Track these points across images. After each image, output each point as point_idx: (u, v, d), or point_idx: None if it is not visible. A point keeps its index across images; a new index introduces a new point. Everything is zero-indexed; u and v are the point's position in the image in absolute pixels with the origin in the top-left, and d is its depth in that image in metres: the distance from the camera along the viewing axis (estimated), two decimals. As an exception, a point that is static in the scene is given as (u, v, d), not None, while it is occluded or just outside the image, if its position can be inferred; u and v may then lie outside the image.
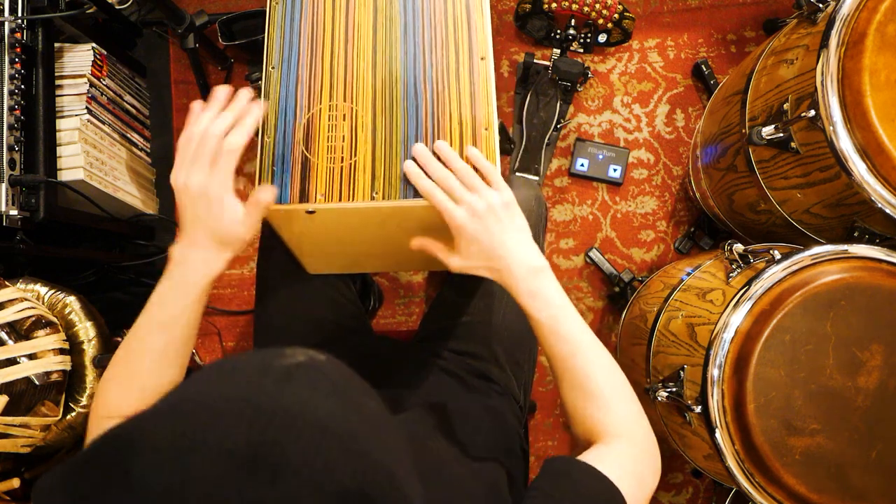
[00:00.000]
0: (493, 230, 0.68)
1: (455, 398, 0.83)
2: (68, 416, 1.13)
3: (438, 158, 0.71)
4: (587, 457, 0.62)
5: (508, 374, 0.92)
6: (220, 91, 0.68)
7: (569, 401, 0.70)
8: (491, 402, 0.85)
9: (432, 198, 0.68)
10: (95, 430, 0.68)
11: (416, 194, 0.71)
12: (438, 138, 0.73)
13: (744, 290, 0.92)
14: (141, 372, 0.67)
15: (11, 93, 1.20)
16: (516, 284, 0.68)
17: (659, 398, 1.01)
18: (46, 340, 1.08)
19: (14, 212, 1.17)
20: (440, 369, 0.89)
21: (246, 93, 0.69)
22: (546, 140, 1.60)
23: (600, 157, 1.61)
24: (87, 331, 1.18)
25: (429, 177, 0.70)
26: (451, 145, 0.72)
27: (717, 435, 0.89)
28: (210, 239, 0.66)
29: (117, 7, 1.57)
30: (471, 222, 0.68)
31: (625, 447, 0.65)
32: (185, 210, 0.66)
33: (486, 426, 0.79)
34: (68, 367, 1.11)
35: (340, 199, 0.71)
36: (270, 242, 0.96)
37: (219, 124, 0.66)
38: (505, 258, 0.68)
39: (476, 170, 0.71)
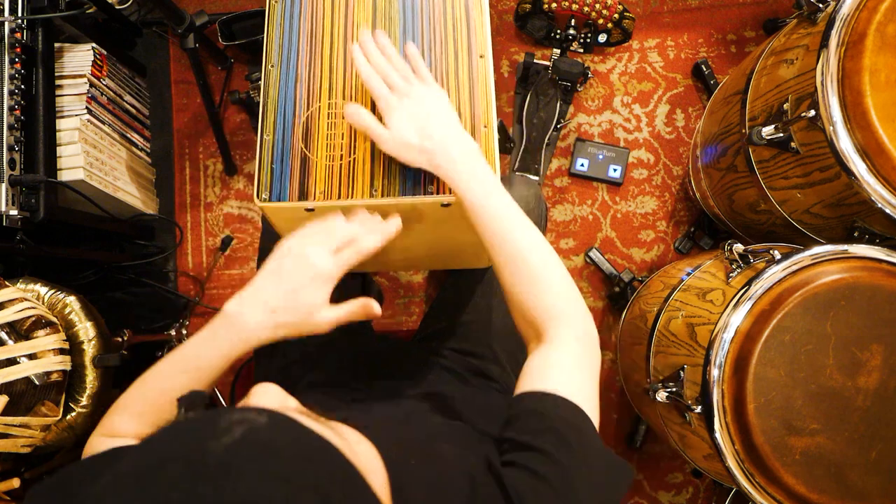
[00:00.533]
0: (420, 115, 0.68)
1: (454, 394, 0.83)
2: (68, 417, 1.13)
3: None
4: (535, 359, 0.63)
5: (509, 372, 0.92)
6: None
7: (508, 285, 0.67)
8: (490, 400, 0.85)
9: (368, 82, 0.69)
10: (96, 446, 0.68)
11: (416, 192, 0.71)
12: None
13: (744, 290, 0.92)
14: (159, 411, 0.67)
15: (11, 93, 1.20)
16: (452, 167, 0.67)
17: (659, 398, 1.01)
18: (46, 340, 1.08)
19: (14, 212, 1.17)
20: (440, 367, 0.89)
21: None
22: (546, 140, 1.60)
23: (600, 157, 1.61)
24: (87, 331, 1.18)
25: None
26: None
27: (717, 435, 0.89)
28: (279, 311, 0.62)
29: (117, 7, 1.57)
30: (400, 105, 0.68)
31: (567, 342, 0.64)
32: (274, 270, 0.63)
33: (485, 419, 0.79)
34: (68, 367, 1.11)
35: (340, 197, 0.71)
36: (270, 242, 0.96)
37: (359, 225, 0.67)
38: (437, 140, 0.67)
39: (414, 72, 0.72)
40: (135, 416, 0.68)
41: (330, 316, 0.64)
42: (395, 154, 0.69)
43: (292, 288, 0.62)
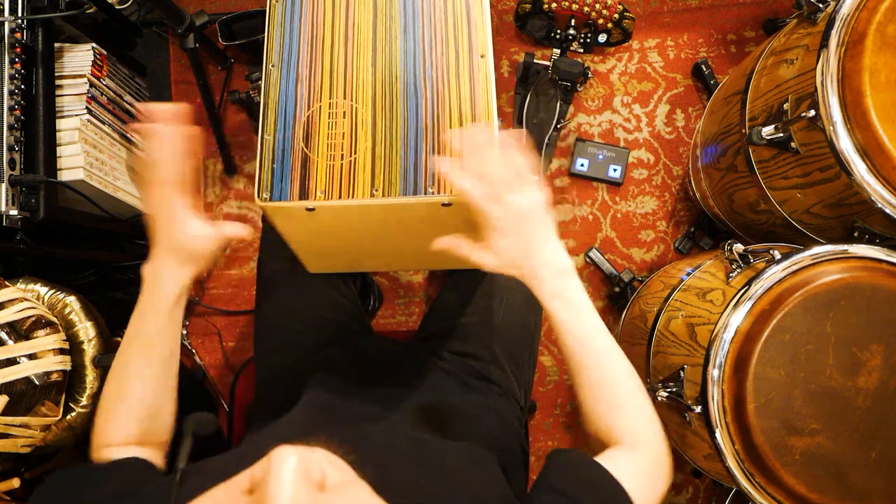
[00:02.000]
0: (524, 230, 0.66)
1: (455, 398, 0.83)
2: (68, 416, 1.13)
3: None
4: (601, 459, 0.62)
5: (509, 374, 0.92)
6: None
7: (585, 402, 0.68)
8: (491, 403, 0.85)
9: (465, 192, 0.66)
10: (97, 459, 0.69)
11: (417, 192, 0.71)
12: (439, 136, 0.73)
13: (744, 290, 0.92)
14: (130, 398, 0.69)
15: (11, 93, 1.20)
16: (540, 285, 0.67)
17: (659, 398, 1.01)
18: (46, 340, 1.08)
19: (14, 212, 1.17)
20: (440, 370, 0.89)
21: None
22: (546, 140, 1.60)
23: (600, 157, 1.61)
24: (87, 331, 1.18)
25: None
26: (451, 143, 0.72)
27: (717, 435, 0.89)
28: (175, 254, 0.70)
29: (117, 7, 1.57)
30: (507, 223, 0.66)
31: (639, 455, 0.65)
32: (152, 229, 0.70)
33: (486, 424, 0.79)
34: (68, 367, 1.11)
35: (340, 197, 0.71)
36: (271, 241, 0.96)
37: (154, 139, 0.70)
38: (532, 259, 0.67)
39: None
40: (121, 419, 0.69)
41: (200, 229, 0.70)
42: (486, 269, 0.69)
43: (157, 217, 0.70)
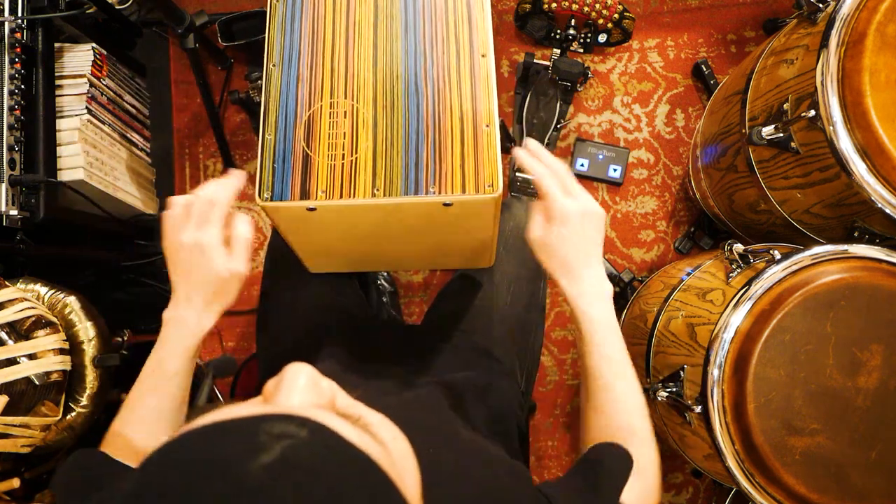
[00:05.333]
0: (586, 230, 0.69)
1: (461, 373, 0.83)
2: (68, 416, 1.13)
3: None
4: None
5: (513, 356, 0.93)
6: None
7: (597, 422, 0.70)
8: (494, 380, 0.86)
9: (545, 184, 0.69)
10: None
11: (418, 192, 0.71)
12: (440, 135, 0.73)
13: (744, 290, 0.92)
14: (136, 440, 0.67)
15: (11, 93, 1.20)
16: (581, 301, 0.69)
17: (659, 398, 1.01)
18: (46, 340, 1.08)
19: (14, 212, 1.17)
20: (446, 347, 0.89)
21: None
22: (546, 140, 1.60)
23: (600, 157, 1.61)
24: (87, 331, 1.18)
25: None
26: (451, 141, 0.73)
27: (717, 435, 0.89)
28: (201, 295, 0.67)
29: (117, 7, 1.57)
30: (571, 216, 0.68)
31: (643, 483, 0.67)
32: (176, 268, 0.68)
33: (490, 401, 0.80)
34: (68, 367, 1.11)
35: (341, 196, 0.71)
36: (275, 241, 0.97)
37: (205, 190, 0.68)
38: (582, 271, 0.69)
39: None
40: (127, 452, 0.67)
41: (234, 265, 0.67)
42: (532, 245, 0.70)
43: (192, 272, 0.67)
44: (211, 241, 0.66)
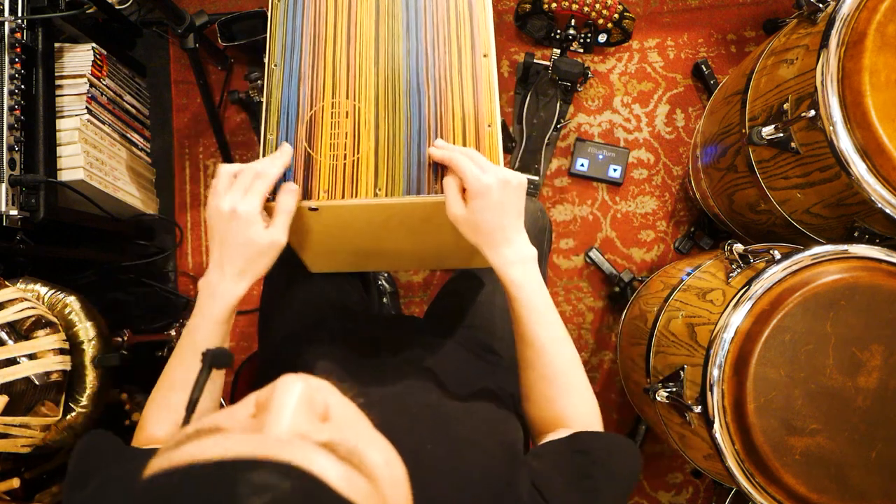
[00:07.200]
0: (505, 199, 0.69)
1: (462, 366, 0.83)
2: (68, 416, 1.13)
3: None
4: (554, 436, 0.69)
5: (513, 351, 0.93)
6: None
7: (536, 386, 0.73)
8: (495, 374, 0.86)
9: (459, 164, 0.69)
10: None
11: (420, 191, 0.71)
12: (441, 135, 0.73)
13: (744, 290, 0.92)
14: (175, 404, 0.69)
15: (11, 93, 1.20)
16: (508, 269, 0.70)
17: (659, 398, 1.01)
18: (46, 340, 1.08)
19: (14, 212, 1.17)
20: (447, 342, 0.90)
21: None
22: (546, 140, 1.60)
23: (600, 157, 1.61)
24: (87, 331, 1.18)
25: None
26: (453, 142, 0.73)
27: (717, 435, 0.89)
28: (234, 262, 0.68)
29: (117, 7, 1.57)
30: (490, 190, 0.68)
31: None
32: (214, 234, 0.68)
33: (491, 394, 0.80)
34: (68, 367, 1.11)
35: (343, 196, 0.71)
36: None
37: (255, 163, 0.69)
38: (507, 237, 0.70)
39: None
40: (164, 422, 0.69)
41: (271, 234, 0.68)
42: (455, 223, 0.71)
43: (227, 239, 0.67)
44: (248, 210, 0.66)
